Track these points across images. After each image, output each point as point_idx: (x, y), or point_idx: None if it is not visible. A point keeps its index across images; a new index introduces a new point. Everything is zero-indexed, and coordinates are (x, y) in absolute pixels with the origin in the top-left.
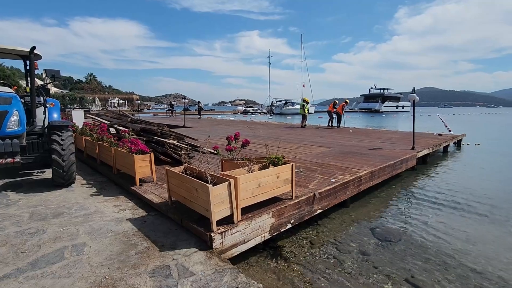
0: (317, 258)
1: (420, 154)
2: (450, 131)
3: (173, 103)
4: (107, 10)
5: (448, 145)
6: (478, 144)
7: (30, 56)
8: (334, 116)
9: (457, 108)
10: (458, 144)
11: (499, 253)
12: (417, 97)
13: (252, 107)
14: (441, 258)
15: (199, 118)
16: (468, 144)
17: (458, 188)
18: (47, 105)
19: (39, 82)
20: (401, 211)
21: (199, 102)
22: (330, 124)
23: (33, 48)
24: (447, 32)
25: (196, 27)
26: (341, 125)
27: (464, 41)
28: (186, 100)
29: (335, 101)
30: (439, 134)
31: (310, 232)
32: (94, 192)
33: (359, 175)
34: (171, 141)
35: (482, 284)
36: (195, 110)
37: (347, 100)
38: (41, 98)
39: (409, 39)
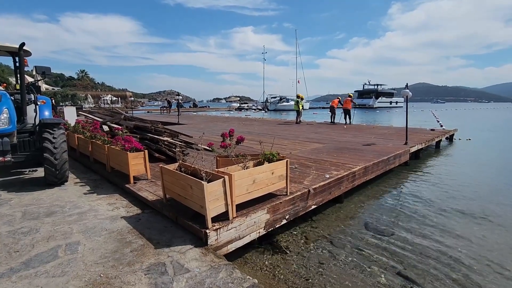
0: (312, 253)
1: (413, 149)
2: (442, 126)
3: (169, 100)
4: (98, 6)
5: (441, 140)
6: (470, 139)
7: (19, 53)
8: (342, 112)
9: (449, 103)
10: (450, 139)
11: (490, 248)
12: (410, 93)
13: (247, 103)
14: (433, 252)
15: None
16: (460, 139)
17: (450, 183)
18: (38, 103)
19: (29, 79)
20: (394, 206)
21: (178, 99)
22: (332, 120)
23: (23, 44)
24: (440, 28)
25: (189, 23)
26: (351, 122)
27: (456, 37)
28: (180, 97)
29: (349, 94)
30: (432, 130)
31: (305, 227)
32: (87, 191)
33: (353, 170)
34: (165, 138)
35: (474, 279)
36: (190, 106)
37: (351, 94)
38: (32, 95)
39: (402, 35)
